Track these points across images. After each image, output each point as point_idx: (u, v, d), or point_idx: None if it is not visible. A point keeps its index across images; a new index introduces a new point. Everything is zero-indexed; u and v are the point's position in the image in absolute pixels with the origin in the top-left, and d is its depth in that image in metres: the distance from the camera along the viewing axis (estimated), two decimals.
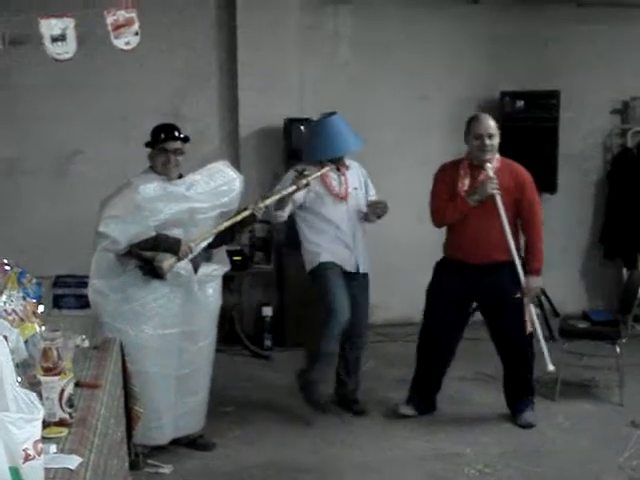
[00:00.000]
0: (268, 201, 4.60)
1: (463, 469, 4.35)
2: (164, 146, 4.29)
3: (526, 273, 4.78)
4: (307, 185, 4.76)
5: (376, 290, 6.42)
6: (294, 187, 4.72)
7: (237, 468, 4.40)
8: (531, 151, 6.86)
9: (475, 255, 4.74)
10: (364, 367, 5.32)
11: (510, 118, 7.00)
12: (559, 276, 7.38)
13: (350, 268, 5.03)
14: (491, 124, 4.77)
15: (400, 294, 6.96)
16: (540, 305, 7.04)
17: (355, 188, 5.06)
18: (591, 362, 5.85)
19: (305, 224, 5.05)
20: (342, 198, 5.00)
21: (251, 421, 5.04)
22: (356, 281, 5.05)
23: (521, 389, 5.00)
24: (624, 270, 7.24)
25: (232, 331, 6.39)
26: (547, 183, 7.04)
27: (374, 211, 5.01)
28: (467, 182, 4.77)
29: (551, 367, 4.78)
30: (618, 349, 5.27)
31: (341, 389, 5.24)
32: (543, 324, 6.87)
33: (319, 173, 4.82)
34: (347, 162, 5.08)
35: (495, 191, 4.65)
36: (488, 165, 4.70)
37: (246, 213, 4.47)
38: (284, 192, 4.72)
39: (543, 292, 7.04)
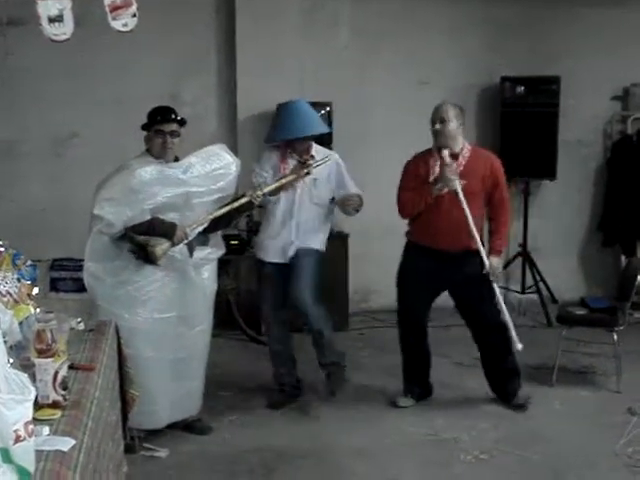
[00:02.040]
0: (267, 189, 4.57)
1: (459, 455, 4.35)
2: (161, 128, 4.27)
3: (489, 254, 4.78)
4: (308, 174, 4.73)
5: (373, 276, 6.44)
6: (294, 176, 4.70)
7: (233, 452, 4.40)
8: (531, 137, 6.87)
9: (444, 242, 4.73)
10: (361, 353, 5.29)
11: (510, 104, 6.99)
12: (557, 263, 7.39)
13: (282, 259, 4.93)
14: (444, 109, 4.77)
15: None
16: (538, 291, 7.05)
17: (315, 179, 4.89)
18: (589, 349, 5.86)
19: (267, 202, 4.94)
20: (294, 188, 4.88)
21: (248, 405, 5.05)
22: (294, 260, 4.90)
23: (506, 371, 4.99)
24: (622, 257, 7.24)
25: (229, 316, 6.38)
26: (546, 169, 7.03)
27: (344, 209, 4.96)
28: (437, 169, 4.76)
29: (519, 345, 4.73)
30: (616, 336, 5.26)
31: (321, 368, 5.10)
32: (540, 311, 6.91)
33: (321, 162, 4.78)
34: (315, 153, 4.92)
35: (453, 176, 4.64)
36: (444, 152, 4.71)
37: (244, 200, 4.46)
38: (283, 180, 4.69)
39: (541, 279, 7.05)
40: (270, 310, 5.04)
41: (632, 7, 7.24)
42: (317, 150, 4.97)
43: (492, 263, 4.76)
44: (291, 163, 4.88)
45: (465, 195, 4.65)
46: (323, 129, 5.04)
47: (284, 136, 4.92)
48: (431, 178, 4.74)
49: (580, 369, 5.68)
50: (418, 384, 5.11)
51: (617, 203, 7.32)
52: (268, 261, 4.98)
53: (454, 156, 4.76)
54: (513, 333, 4.73)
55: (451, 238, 4.72)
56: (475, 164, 4.77)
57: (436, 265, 4.80)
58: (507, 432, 4.65)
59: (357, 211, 5.00)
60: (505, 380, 5.02)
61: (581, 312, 5.50)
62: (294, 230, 4.91)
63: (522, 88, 7.05)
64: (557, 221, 7.43)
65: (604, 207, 7.49)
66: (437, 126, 4.75)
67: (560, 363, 5.37)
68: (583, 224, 7.64)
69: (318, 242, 5.00)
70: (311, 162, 4.72)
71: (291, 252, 4.91)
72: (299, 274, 4.86)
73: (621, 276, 5.86)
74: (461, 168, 4.74)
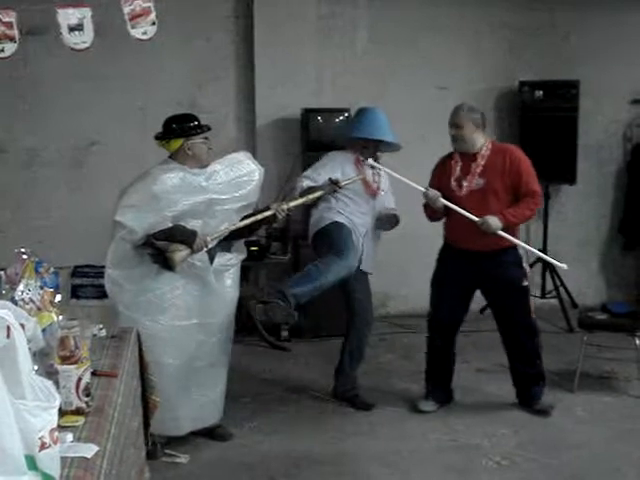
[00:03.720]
0: (292, 204, 4.61)
1: (481, 461, 4.33)
2: (206, 135, 4.32)
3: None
4: (334, 192, 4.83)
5: (393, 281, 6.42)
6: (322, 192, 4.78)
7: (254, 459, 4.40)
8: (550, 141, 6.83)
9: (474, 242, 4.72)
10: (381, 359, 5.29)
11: (529, 108, 6.97)
12: (578, 267, 7.32)
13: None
14: (459, 115, 4.81)
15: (417, 285, 6.90)
16: (558, 296, 7.01)
17: (384, 190, 5.13)
18: (610, 354, 5.81)
19: (335, 199, 5.00)
20: (372, 193, 5.06)
21: (268, 412, 5.04)
22: (357, 275, 5.00)
23: (532, 376, 4.97)
24: None
25: (249, 322, 6.39)
26: (566, 174, 7.00)
27: (383, 225, 5.14)
28: (458, 170, 4.80)
29: (564, 265, 4.91)
30: (638, 341, 5.22)
31: (340, 386, 5.17)
32: (561, 317, 6.86)
33: (352, 180, 4.85)
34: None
35: (432, 198, 4.75)
36: (369, 161, 4.95)
37: (268, 213, 4.48)
38: (310, 196, 4.77)
39: (562, 283, 7.01)
40: (349, 257, 4.79)
41: None
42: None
43: (489, 219, 4.63)
44: (366, 169, 5.03)
45: (488, 194, 4.69)
46: (398, 141, 5.15)
47: (376, 135, 5.03)
48: (455, 176, 4.80)
49: (602, 374, 5.64)
50: (441, 388, 5.09)
51: (637, 206, 7.28)
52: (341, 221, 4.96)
53: (473, 156, 4.76)
54: (551, 259, 5.00)
55: (479, 237, 4.68)
56: (494, 161, 4.76)
57: (469, 266, 4.80)
58: (528, 438, 4.62)
59: (391, 228, 5.16)
60: (530, 384, 4.99)
61: (602, 317, 5.46)
62: (367, 236, 5.05)
63: (541, 92, 7.02)
64: (577, 225, 7.40)
65: (624, 211, 7.45)
66: (452, 131, 4.79)
67: (582, 369, 5.33)
68: (603, 228, 7.60)
69: (374, 264, 5.16)
70: (342, 184, 4.82)
71: (364, 259, 5.01)
72: (367, 300, 5.13)
73: None
74: (480, 168, 4.74)
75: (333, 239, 4.85)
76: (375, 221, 5.11)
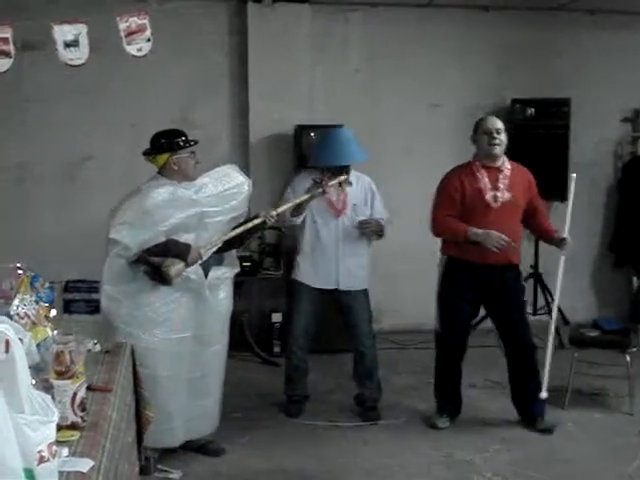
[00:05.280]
0: (280, 209, 4.62)
1: (472, 477, 4.34)
2: (193, 149, 4.34)
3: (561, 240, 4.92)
4: (323, 193, 4.79)
5: (385, 296, 6.44)
6: (309, 195, 4.76)
7: (245, 474, 4.40)
8: (542, 159, 6.85)
9: (491, 255, 4.69)
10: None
11: (521, 126, 7.00)
12: (569, 284, 7.32)
13: (329, 284, 5.09)
14: (499, 122, 4.84)
15: (410, 301, 6.95)
16: (549, 313, 7.01)
17: (354, 204, 5.07)
18: (601, 371, 5.83)
19: (299, 231, 5.14)
20: (336, 213, 5.03)
21: (260, 427, 5.05)
22: (348, 294, 5.09)
23: (535, 393, 4.96)
24: (634, 278, 7.21)
25: (241, 337, 6.39)
26: (558, 191, 7.02)
27: (363, 231, 5.06)
28: (487, 182, 4.78)
29: (544, 394, 4.86)
30: (628, 358, 5.25)
31: (358, 396, 5.25)
32: (554, 334, 6.88)
33: (336, 181, 4.84)
34: (354, 177, 5.08)
35: (492, 244, 4.67)
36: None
37: (257, 221, 4.50)
38: (297, 200, 4.76)
39: (553, 300, 7.02)
40: (302, 330, 5.15)
41: None
42: (353, 174, 5.09)
43: (568, 240, 4.87)
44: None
45: (513, 208, 4.75)
46: (361, 158, 5.07)
47: (326, 162, 4.99)
48: (489, 187, 4.77)
49: (593, 391, 5.66)
50: (452, 404, 5.09)
51: (628, 224, 7.33)
52: (313, 287, 5.10)
53: (497, 170, 4.79)
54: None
55: (498, 251, 4.71)
56: (517, 176, 4.83)
57: (477, 279, 4.80)
58: (520, 454, 4.64)
59: (380, 236, 5.13)
60: (531, 401, 4.97)
61: (593, 334, 5.49)
62: (340, 257, 5.05)
63: (532, 110, 7.08)
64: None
65: (615, 228, 7.49)
66: (496, 135, 4.78)
67: (573, 385, 5.35)
68: (594, 245, 7.65)
69: (366, 280, 5.17)
70: (325, 182, 4.77)
71: (341, 280, 5.06)
72: (360, 318, 5.13)
73: (633, 297, 5.87)
74: (507, 181, 4.78)
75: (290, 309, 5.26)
76: (357, 234, 5.08)
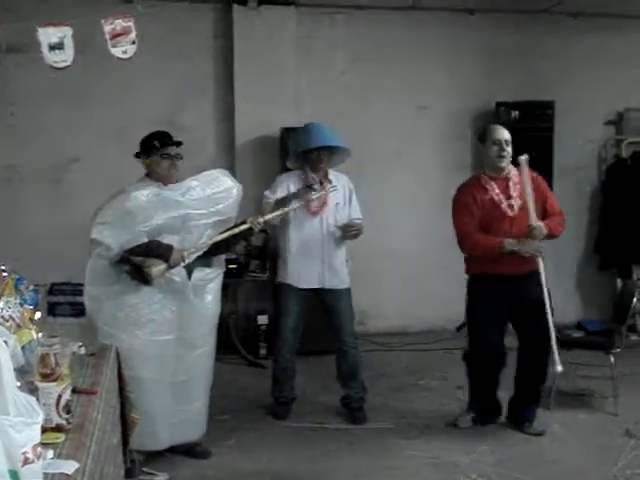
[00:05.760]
0: (267, 216, 4.62)
1: (459, 478, 4.35)
2: (167, 151, 4.32)
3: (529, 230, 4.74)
4: (311, 201, 4.84)
5: (371, 299, 6.45)
6: (301, 203, 4.81)
7: (232, 477, 4.40)
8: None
9: (517, 265, 4.70)
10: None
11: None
12: (554, 286, 7.36)
13: (315, 284, 5.09)
14: (507, 132, 4.83)
15: (396, 303, 6.97)
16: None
17: (337, 203, 5.08)
18: (586, 371, 5.86)
19: (280, 233, 5.17)
20: (315, 213, 5.04)
21: (247, 430, 5.04)
22: (332, 293, 5.10)
23: (533, 397, 4.98)
24: (618, 280, 7.27)
25: (228, 339, 6.39)
26: None
27: (346, 234, 5.08)
28: (499, 192, 4.77)
29: (559, 367, 4.65)
30: (612, 359, 5.28)
31: (344, 398, 5.25)
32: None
33: (325, 192, 4.87)
34: (332, 176, 5.09)
35: (532, 250, 4.68)
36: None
37: (244, 227, 4.48)
38: (286, 209, 4.80)
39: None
40: (290, 332, 5.15)
41: (625, 32, 7.34)
42: (332, 174, 5.11)
43: (539, 224, 4.69)
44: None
45: (526, 214, 4.70)
46: (344, 145, 5.09)
47: (310, 146, 4.99)
48: (502, 198, 4.76)
49: (578, 392, 5.69)
50: (490, 408, 5.09)
51: (613, 226, 7.38)
52: (299, 287, 5.09)
53: (505, 179, 4.79)
54: (556, 354, 4.65)
55: (522, 260, 4.70)
56: (524, 182, 4.79)
57: (505, 291, 4.74)
58: (506, 455, 4.65)
59: (356, 237, 5.09)
60: (527, 405, 4.98)
61: (578, 335, 5.54)
62: (326, 256, 5.06)
63: (517, 113, 7.12)
64: (553, 244, 7.43)
65: (600, 231, 7.54)
66: (505, 147, 4.77)
67: (558, 386, 5.38)
68: (579, 248, 7.69)
69: (347, 278, 5.18)
70: (315, 188, 4.80)
71: (326, 279, 5.06)
72: (344, 318, 5.14)
73: (617, 299, 5.89)
74: (518, 187, 4.78)
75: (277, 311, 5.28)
76: (339, 233, 5.09)
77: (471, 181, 4.94)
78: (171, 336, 4.30)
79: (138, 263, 4.15)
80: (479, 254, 4.81)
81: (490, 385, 5.04)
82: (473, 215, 4.78)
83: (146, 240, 4.17)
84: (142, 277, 4.16)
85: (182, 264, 4.24)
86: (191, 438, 4.58)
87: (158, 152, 4.33)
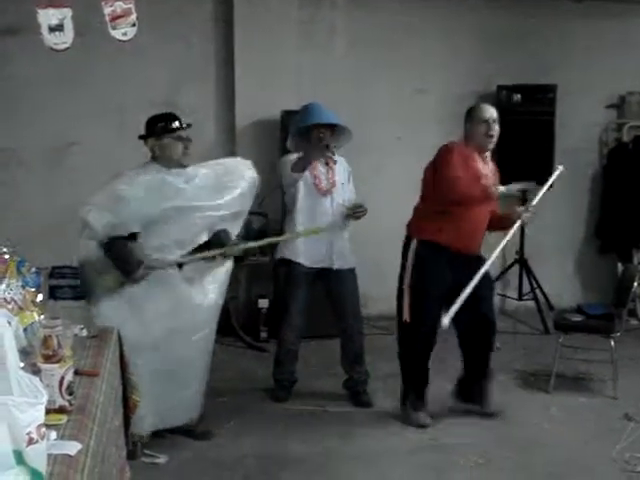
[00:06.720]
0: (247, 246, 4.64)
1: (458, 460, 4.37)
2: (180, 134, 4.24)
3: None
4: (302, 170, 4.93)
5: (372, 282, 6.45)
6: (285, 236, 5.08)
7: (232, 458, 4.41)
8: (528, 145, 6.90)
9: (473, 246, 4.71)
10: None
11: (507, 112, 6.97)
12: (554, 270, 7.43)
13: (324, 264, 5.09)
14: (494, 110, 4.75)
15: (395, 285, 6.95)
16: (535, 298, 7.07)
17: (342, 183, 5.13)
18: (585, 355, 5.87)
19: (289, 211, 5.17)
20: (326, 192, 5.06)
21: (247, 412, 5.06)
22: (338, 275, 5.09)
23: (486, 375, 4.95)
24: (619, 264, 7.27)
25: (228, 323, 6.39)
26: (543, 177, 7.03)
27: (354, 215, 5.06)
28: (480, 168, 4.67)
29: (446, 321, 4.47)
30: (612, 343, 5.29)
31: (347, 381, 5.27)
32: (537, 318, 6.92)
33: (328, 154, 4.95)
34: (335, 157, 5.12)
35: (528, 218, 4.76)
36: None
37: (218, 252, 4.38)
38: (268, 240, 5.13)
39: (538, 286, 7.08)
40: (297, 313, 5.14)
41: (627, 17, 7.32)
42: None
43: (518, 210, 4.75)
44: (319, 165, 5.04)
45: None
46: (343, 123, 5.10)
47: (310, 122, 5.00)
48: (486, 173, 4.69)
49: (577, 375, 5.71)
50: (424, 395, 4.98)
51: (613, 210, 7.38)
52: (308, 267, 5.08)
53: (484, 158, 4.72)
54: (453, 309, 4.47)
55: (478, 240, 4.73)
56: (490, 166, 4.80)
57: (454, 268, 4.65)
58: (505, 438, 4.67)
59: (359, 219, 5.11)
60: (482, 383, 4.95)
61: (578, 319, 5.53)
62: (334, 236, 5.07)
63: (519, 96, 7.10)
64: (554, 228, 7.47)
65: (601, 214, 7.54)
66: (495, 128, 4.68)
67: (557, 370, 5.40)
68: (580, 231, 7.70)
69: (353, 258, 5.20)
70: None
71: (335, 259, 5.08)
72: (352, 301, 5.17)
73: (618, 283, 5.90)
74: (491, 166, 4.78)
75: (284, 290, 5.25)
76: (343, 214, 5.09)
77: (460, 145, 4.71)
78: (162, 324, 4.19)
79: (98, 270, 4.09)
80: (465, 200, 4.51)
81: (426, 363, 4.91)
82: (467, 171, 4.53)
83: (137, 230, 4.09)
84: (123, 269, 4.10)
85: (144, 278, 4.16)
86: (180, 423, 4.51)
87: (171, 134, 4.23)
